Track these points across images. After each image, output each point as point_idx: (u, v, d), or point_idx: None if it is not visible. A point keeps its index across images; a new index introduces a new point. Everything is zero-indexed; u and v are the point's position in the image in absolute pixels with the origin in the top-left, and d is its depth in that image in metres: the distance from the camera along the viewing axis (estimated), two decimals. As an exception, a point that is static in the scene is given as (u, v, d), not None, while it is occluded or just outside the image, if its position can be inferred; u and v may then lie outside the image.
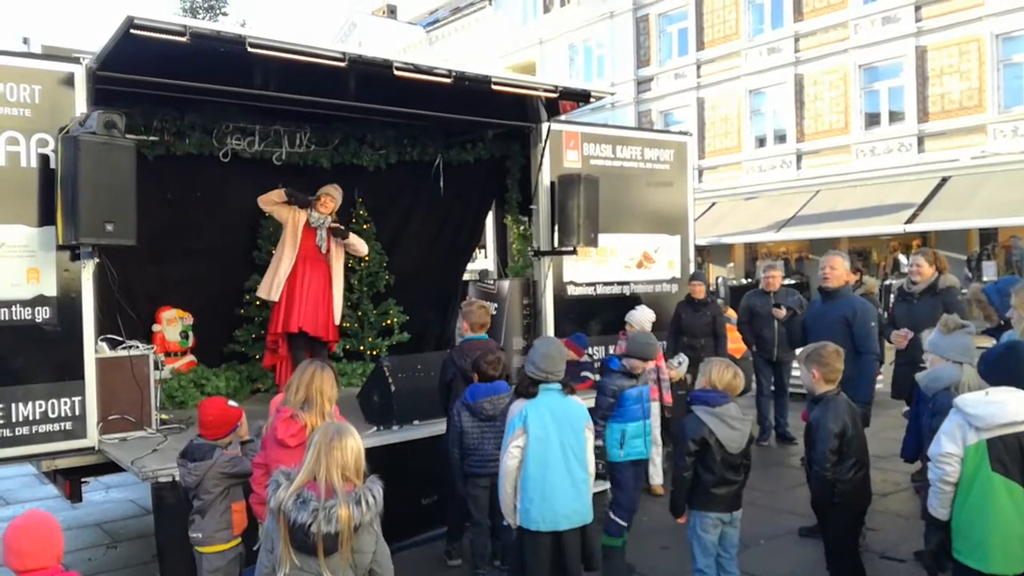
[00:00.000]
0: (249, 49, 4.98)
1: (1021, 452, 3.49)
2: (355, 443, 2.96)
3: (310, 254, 6.83)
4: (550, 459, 4.09)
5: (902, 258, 19.48)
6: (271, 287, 6.73)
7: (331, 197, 6.94)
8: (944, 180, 18.92)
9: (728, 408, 4.32)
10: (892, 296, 16.49)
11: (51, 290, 5.20)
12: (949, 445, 3.60)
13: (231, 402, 4.35)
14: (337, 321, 7.04)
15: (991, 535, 3.50)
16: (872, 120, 20.97)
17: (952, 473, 3.59)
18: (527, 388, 4.23)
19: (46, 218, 5.15)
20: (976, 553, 3.54)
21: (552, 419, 4.13)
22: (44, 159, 5.17)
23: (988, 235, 18.71)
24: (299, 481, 2.89)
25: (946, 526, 3.67)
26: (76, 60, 5.36)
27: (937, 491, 3.66)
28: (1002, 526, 3.48)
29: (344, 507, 2.81)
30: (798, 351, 4.86)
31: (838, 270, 6.04)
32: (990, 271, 17.77)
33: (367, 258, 8.15)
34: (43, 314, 5.17)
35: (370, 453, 4.10)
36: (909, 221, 18.34)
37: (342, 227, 6.99)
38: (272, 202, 6.79)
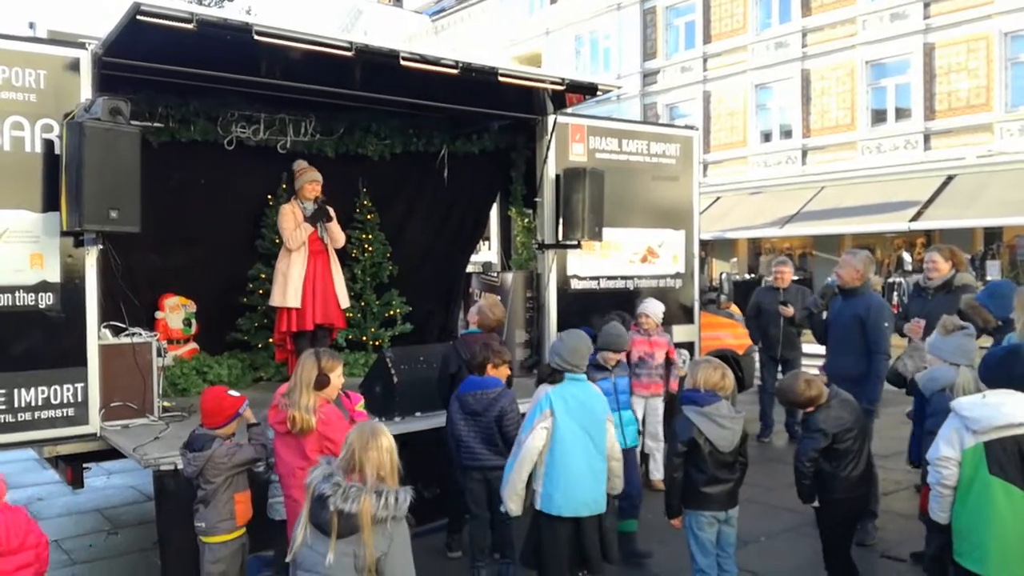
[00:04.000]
0: (256, 37, 4.96)
1: (1020, 455, 3.47)
2: (388, 442, 3.02)
3: (315, 248, 6.83)
4: (575, 446, 4.16)
5: (906, 256, 19.45)
6: (285, 294, 6.67)
7: (317, 182, 6.86)
8: (950, 178, 18.90)
9: (719, 407, 4.31)
10: (896, 293, 16.53)
11: (55, 276, 5.18)
12: (946, 449, 3.60)
13: (232, 391, 4.33)
14: (345, 304, 7.05)
15: (989, 538, 3.49)
16: (878, 117, 20.93)
17: (949, 477, 3.58)
18: (551, 376, 4.30)
19: (50, 204, 5.13)
20: (974, 555, 3.54)
21: (578, 407, 4.22)
22: (49, 144, 5.15)
23: (993, 234, 18.70)
24: (335, 468, 3.00)
25: (946, 529, 3.67)
26: (82, 46, 5.33)
27: (936, 495, 3.66)
28: (1000, 529, 3.47)
29: (367, 495, 2.85)
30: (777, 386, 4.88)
31: (843, 269, 6.02)
32: (994, 270, 17.76)
33: (370, 248, 8.14)
34: (46, 300, 5.16)
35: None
36: (914, 219, 18.33)
37: (327, 208, 6.86)
38: (302, 239, 6.74)
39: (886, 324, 5.83)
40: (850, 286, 5.95)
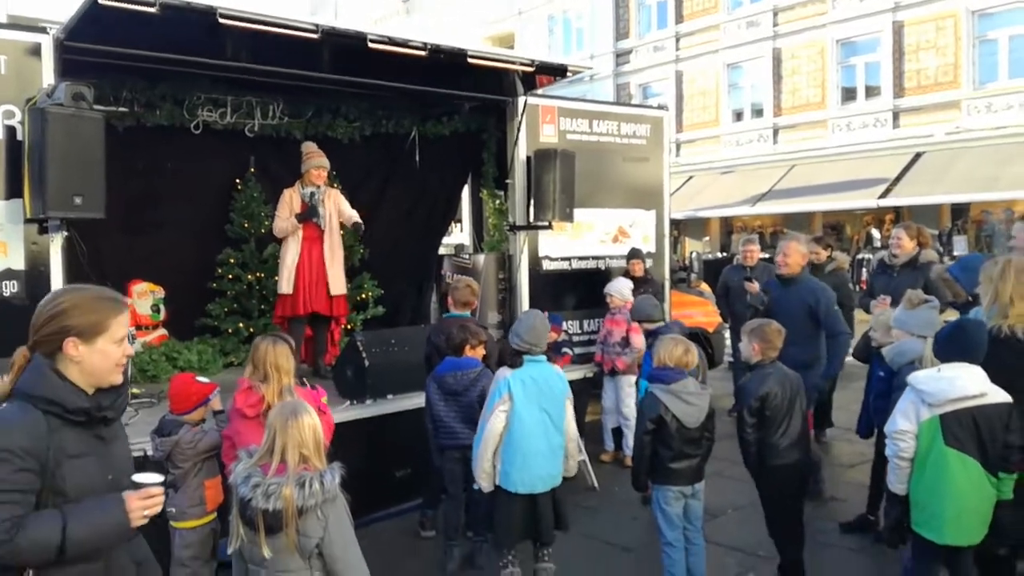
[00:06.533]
0: (220, 20, 4.92)
1: (975, 426, 3.58)
2: (311, 420, 2.95)
3: (309, 234, 6.72)
4: (532, 426, 4.34)
5: (875, 232, 19.69)
6: (282, 280, 6.67)
7: (323, 168, 6.76)
8: (918, 155, 19.10)
9: (685, 384, 4.38)
10: (864, 269, 16.75)
11: (19, 264, 5.12)
12: (903, 422, 3.70)
13: (202, 378, 4.33)
14: (337, 292, 6.84)
15: (945, 508, 3.60)
16: (848, 95, 21.08)
17: (907, 449, 3.68)
18: (512, 358, 4.45)
19: (13, 191, 5.06)
20: (931, 524, 3.65)
21: (536, 388, 4.39)
22: (10, 131, 5.08)
23: (960, 210, 18.96)
24: (255, 459, 2.94)
25: (904, 500, 3.77)
26: (43, 30, 5.25)
27: (894, 467, 3.76)
28: (956, 498, 3.58)
29: (288, 487, 2.78)
30: (744, 324, 4.94)
31: (791, 257, 6.04)
32: (961, 246, 18.01)
33: (341, 231, 8.11)
34: (11, 288, 5.10)
35: (344, 427, 4.17)
36: (883, 196, 18.53)
37: (316, 207, 6.72)
38: (287, 231, 6.66)
39: (835, 307, 5.87)
40: (794, 273, 5.98)
